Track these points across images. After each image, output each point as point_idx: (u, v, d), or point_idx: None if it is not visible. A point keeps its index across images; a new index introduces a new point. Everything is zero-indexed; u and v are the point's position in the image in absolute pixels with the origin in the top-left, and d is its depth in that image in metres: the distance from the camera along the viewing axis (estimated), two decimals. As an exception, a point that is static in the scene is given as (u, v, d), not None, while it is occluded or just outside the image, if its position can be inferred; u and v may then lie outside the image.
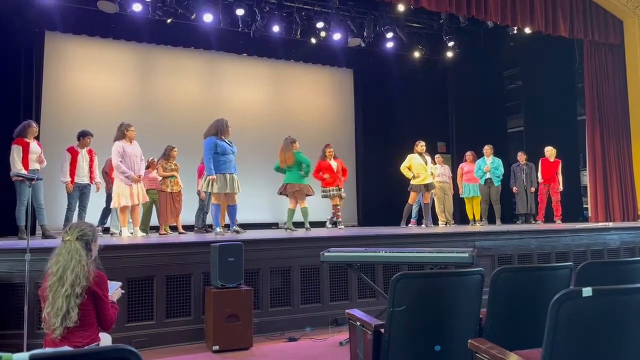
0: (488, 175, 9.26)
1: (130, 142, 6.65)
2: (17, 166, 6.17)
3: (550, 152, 9.40)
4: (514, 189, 9.58)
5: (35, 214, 6.65)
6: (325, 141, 10.66)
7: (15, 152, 6.26)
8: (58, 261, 2.69)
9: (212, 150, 6.43)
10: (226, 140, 6.58)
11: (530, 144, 11.14)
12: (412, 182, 8.74)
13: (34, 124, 6.59)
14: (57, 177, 7.15)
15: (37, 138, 6.76)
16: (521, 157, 9.70)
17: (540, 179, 9.37)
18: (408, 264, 5.26)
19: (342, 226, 8.37)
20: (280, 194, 7.68)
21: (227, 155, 6.52)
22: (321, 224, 9.07)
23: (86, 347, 2.61)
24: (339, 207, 8.38)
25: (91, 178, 7.19)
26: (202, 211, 8.52)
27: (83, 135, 7.16)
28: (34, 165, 6.41)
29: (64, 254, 2.70)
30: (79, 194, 7.07)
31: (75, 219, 6.98)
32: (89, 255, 2.77)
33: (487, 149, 9.44)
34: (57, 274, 2.65)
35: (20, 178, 6.02)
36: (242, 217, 7.55)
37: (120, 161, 6.48)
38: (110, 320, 2.82)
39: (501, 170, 9.33)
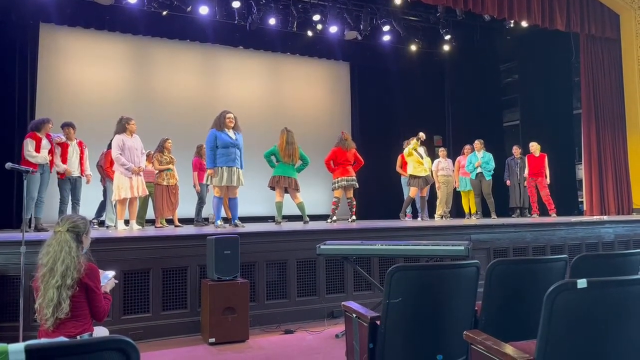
0: (479, 170, 9.24)
1: (131, 135, 6.64)
2: (33, 154, 6.33)
3: (534, 147, 9.37)
4: (508, 182, 9.59)
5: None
6: (321, 134, 10.60)
7: (30, 144, 6.38)
8: (48, 252, 2.70)
9: (210, 143, 6.51)
10: (229, 133, 6.54)
11: (526, 137, 11.14)
12: (411, 172, 8.66)
13: (51, 122, 6.62)
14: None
15: None
16: (516, 150, 9.71)
17: (526, 174, 9.36)
18: (404, 256, 5.28)
19: (354, 217, 7.99)
20: (272, 188, 7.42)
21: (228, 149, 6.48)
22: (321, 217, 9.02)
23: (83, 338, 2.62)
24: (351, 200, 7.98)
25: (82, 170, 7.14)
26: (200, 204, 8.52)
27: (67, 126, 7.04)
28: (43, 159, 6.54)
29: (54, 245, 2.71)
30: (71, 187, 7.02)
31: (69, 212, 6.95)
32: (79, 247, 2.77)
33: (478, 143, 9.40)
34: (48, 265, 2.67)
35: (29, 168, 6.00)
36: (238, 210, 7.50)
37: (120, 154, 6.47)
38: (103, 311, 2.83)
39: (492, 164, 9.29)
